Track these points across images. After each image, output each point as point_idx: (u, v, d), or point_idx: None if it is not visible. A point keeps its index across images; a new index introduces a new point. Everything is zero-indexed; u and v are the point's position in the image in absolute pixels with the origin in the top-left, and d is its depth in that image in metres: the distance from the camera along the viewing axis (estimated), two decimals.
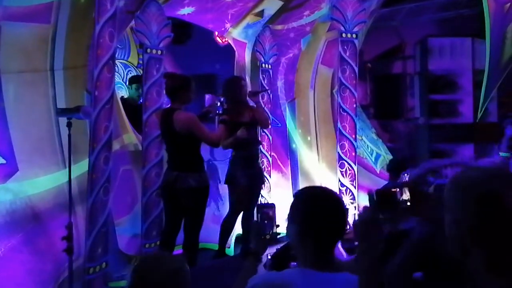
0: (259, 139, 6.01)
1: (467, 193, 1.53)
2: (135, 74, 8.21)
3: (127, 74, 8.37)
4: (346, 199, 7.29)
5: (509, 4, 7.32)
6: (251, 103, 5.96)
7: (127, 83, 7.88)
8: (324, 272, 2.06)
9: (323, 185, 2.36)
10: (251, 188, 5.77)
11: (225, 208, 6.36)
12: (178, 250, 5.44)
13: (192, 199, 4.97)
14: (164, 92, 5.26)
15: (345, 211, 2.19)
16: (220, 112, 5.10)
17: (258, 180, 5.88)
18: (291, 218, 2.19)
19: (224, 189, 6.37)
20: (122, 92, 7.99)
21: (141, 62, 7.76)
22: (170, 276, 2.11)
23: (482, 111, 8.33)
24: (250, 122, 5.72)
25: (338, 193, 2.25)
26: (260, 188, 6.05)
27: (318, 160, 8.03)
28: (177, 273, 2.15)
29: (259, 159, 5.98)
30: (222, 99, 5.19)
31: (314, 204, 2.15)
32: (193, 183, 4.91)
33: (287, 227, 2.22)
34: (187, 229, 5.12)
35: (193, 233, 5.10)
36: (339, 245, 3.48)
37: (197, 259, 5.16)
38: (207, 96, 5.26)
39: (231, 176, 5.72)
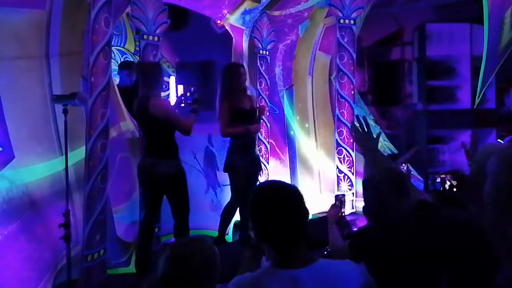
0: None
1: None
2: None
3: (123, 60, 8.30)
4: (344, 186, 7.29)
5: None
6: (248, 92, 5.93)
7: (118, 68, 7.71)
8: (290, 269, 1.98)
9: (280, 181, 2.23)
10: (249, 175, 5.74)
11: (223, 196, 6.36)
12: (171, 238, 5.45)
13: (168, 186, 4.97)
14: (138, 80, 5.19)
15: (299, 205, 2.05)
16: (190, 101, 5.09)
17: (255, 167, 5.84)
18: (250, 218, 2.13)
19: (221, 176, 6.35)
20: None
21: (137, 49, 7.71)
22: (207, 257, 2.07)
23: (479, 97, 8.29)
24: (251, 110, 5.66)
25: (295, 187, 2.14)
26: (258, 174, 6.01)
27: (316, 147, 8.01)
28: (211, 253, 2.11)
29: (256, 145, 5.94)
30: (193, 88, 5.19)
31: (263, 205, 2.05)
32: (167, 170, 4.90)
33: None
34: (175, 216, 5.14)
35: (181, 220, 5.10)
36: (336, 231, 3.46)
37: None
38: (179, 86, 5.24)
39: (230, 164, 5.69)
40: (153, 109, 4.83)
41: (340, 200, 3.48)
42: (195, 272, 2.04)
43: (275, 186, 2.16)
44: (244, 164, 5.59)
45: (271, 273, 2.00)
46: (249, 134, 5.61)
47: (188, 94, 5.13)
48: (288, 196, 2.06)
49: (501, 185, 1.62)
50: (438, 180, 2.55)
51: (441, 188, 2.45)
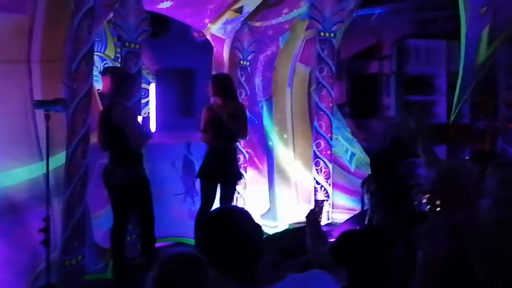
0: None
1: None
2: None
3: (103, 67, 8.29)
4: (321, 196, 7.35)
5: (485, 8, 7.43)
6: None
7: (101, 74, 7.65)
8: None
9: (225, 209, 2.26)
10: (221, 184, 5.77)
11: None
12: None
13: (124, 194, 4.95)
14: (109, 87, 5.13)
15: (244, 230, 2.05)
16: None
17: (232, 176, 5.88)
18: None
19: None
20: (99, 85, 7.91)
21: (118, 55, 7.71)
22: (193, 273, 2.02)
23: (455, 113, 8.45)
24: (231, 114, 5.65)
25: (244, 210, 2.16)
26: (235, 184, 6.04)
27: (294, 158, 8.07)
28: (198, 267, 2.03)
29: (235, 154, 5.97)
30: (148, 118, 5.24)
31: (220, 232, 2.05)
32: (122, 178, 4.89)
33: None
34: (140, 225, 5.18)
35: (145, 229, 5.12)
36: (315, 235, 3.51)
37: (154, 255, 5.07)
38: (138, 117, 5.22)
39: (203, 170, 5.74)
40: (115, 113, 4.84)
41: (319, 206, 3.52)
42: None
43: (222, 212, 2.22)
44: (212, 171, 5.65)
45: None
46: (217, 142, 5.65)
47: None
48: (237, 216, 2.10)
49: (503, 201, 1.72)
50: (424, 200, 2.61)
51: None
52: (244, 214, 2.12)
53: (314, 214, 3.43)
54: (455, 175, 2.72)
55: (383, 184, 2.93)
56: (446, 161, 3.18)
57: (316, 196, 7.37)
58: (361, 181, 6.54)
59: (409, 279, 2.76)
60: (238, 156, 7.25)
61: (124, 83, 5.00)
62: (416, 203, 2.86)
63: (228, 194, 5.81)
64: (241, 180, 6.81)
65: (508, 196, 1.90)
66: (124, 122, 4.83)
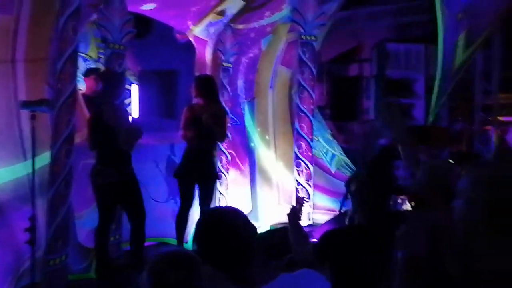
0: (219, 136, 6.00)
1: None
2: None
3: (86, 67, 8.29)
4: (301, 195, 7.42)
5: (462, 13, 7.58)
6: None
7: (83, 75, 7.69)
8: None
9: (225, 208, 2.32)
10: (203, 184, 5.83)
11: None
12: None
13: (115, 193, 5.01)
14: (94, 88, 5.18)
15: (246, 224, 2.13)
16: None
17: (210, 176, 5.95)
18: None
19: None
20: (81, 86, 7.90)
21: (100, 56, 7.73)
22: (187, 272, 1.98)
23: (433, 116, 8.60)
24: (212, 114, 5.71)
25: (243, 213, 2.16)
26: (213, 184, 6.10)
27: (275, 159, 8.14)
28: (191, 266, 2.02)
29: (213, 155, 6.03)
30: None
31: (217, 231, 2.09)
32: (113, 178, 4.96)
33: None
34: (130, 223, 5.24)
35: (136, 227, 5.19)
36: (297, 233, 3.58)
37: (143, 253, 5.20)
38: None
39: (180, 169, 5.81)
40: (107, 114, 4.90)
41: (300, 203, 3.57)
42: None
43: (217, 212, 2.28)
44: (189, 171, 5.73)
45: None
46: (196, 141, 5.71)
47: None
48: (235, 217, 2.15)
49: (475, 202, 1.80)
50: (400, 201, 2.69)
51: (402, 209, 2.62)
52: (239, 215, 2.17)
53: (295, 212, 3.50)
54: (443, 173, 2.82)
55: (377, 185, 3.02)
56: (433, 161, 3.25)
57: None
58: (341, 182, 6.65)
59: (392, 279, 2.84)
60: (220, 156, 7.33)
61: (112, 82, 5.06)
62: (392, 203, 2.96)
63: (207, 194, 5.87)
64: (220, 181, 6.89)
65: (479, 197, 1.98)
66: (116, 121, 4.87)
